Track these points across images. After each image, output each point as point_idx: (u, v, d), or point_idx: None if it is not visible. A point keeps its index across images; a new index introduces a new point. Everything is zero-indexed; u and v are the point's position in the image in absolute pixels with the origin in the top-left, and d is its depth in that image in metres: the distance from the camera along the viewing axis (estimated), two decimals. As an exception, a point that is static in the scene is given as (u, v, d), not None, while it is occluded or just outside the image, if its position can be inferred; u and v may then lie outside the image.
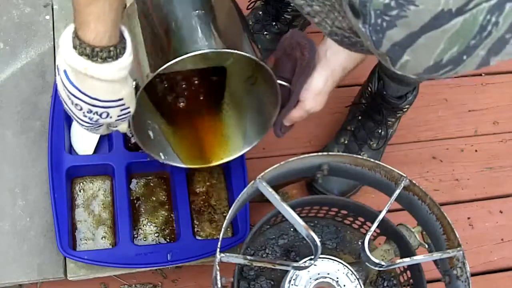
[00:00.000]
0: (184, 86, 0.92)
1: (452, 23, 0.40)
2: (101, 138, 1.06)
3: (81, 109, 0.69)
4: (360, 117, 1.17)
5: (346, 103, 1.23)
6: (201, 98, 0.94)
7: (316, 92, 0.81)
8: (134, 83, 0.72)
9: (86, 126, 0.73)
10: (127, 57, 0.66)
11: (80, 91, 0.67)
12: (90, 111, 0.69)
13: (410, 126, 1.28)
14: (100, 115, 0.70)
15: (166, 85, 0.91)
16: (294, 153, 1.19)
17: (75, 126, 1.05)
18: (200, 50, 0.74)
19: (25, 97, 1.09)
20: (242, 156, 1.05)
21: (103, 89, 0.67)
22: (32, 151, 1.05)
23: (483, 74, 1.39)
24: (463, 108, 1.34)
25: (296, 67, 0.82)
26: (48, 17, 1.17)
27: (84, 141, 1.05)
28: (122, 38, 0.66)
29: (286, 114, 0.85)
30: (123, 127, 0.78)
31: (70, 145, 1.04)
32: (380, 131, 1.16)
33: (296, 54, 0.81)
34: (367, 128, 1.16)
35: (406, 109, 1.14)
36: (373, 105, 1.13)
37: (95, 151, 1.05)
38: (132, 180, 1.05)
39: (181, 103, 0.93)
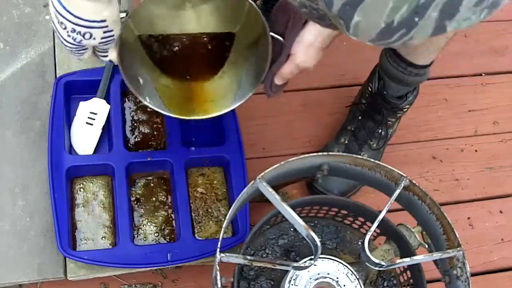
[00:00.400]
0: (186, 45, 0.91)
1: None
2: (101, 138, 1.06)
3: (65, 28, 0.73)
4: (360, 117, 1.17)
5: (346, 103, 1.23)
6: (201, 61, 0.93)
7: (307, 44, 0.81)
8: (124, 14, 0.76)
9: (70, 47, 0.77)
10: None
11: (65, 9, 0.71)
12: (73, 31, 0.73)
13: (410, 126, 1.28)
14: (83, 36, 0.74)
15: (166, 42, 0.91)
16: (294, 153, 1.19)
17: (75, 126, 1.05)
18: None
19: (25, 97, 1.09)
20: (242, 156, 1.06)
21: (86, 8, 0.71)
22: (32, 151, 1.05)
23: (483, 74, 1.39)
24: (463, 108, 1.34)
25: (290, 21, 0.81)
26: (48, 17, 1.17)
27: (84, 141, 1.05)
28: None
29: (277, 70, 0.83)
30: (112, 55, 0.80)
31: (70, 145, 1.04)
32: (380, 131, 1.16)
33: (290, 8, 0.81)
34: (367, 128, 1.16)
35: (406, 109, 1.14)
36: (373, 105, 1.13)
37: (95, 151, 1.05)
38: (132, 180, 1.06)
39: (177, 59, 0.92)
